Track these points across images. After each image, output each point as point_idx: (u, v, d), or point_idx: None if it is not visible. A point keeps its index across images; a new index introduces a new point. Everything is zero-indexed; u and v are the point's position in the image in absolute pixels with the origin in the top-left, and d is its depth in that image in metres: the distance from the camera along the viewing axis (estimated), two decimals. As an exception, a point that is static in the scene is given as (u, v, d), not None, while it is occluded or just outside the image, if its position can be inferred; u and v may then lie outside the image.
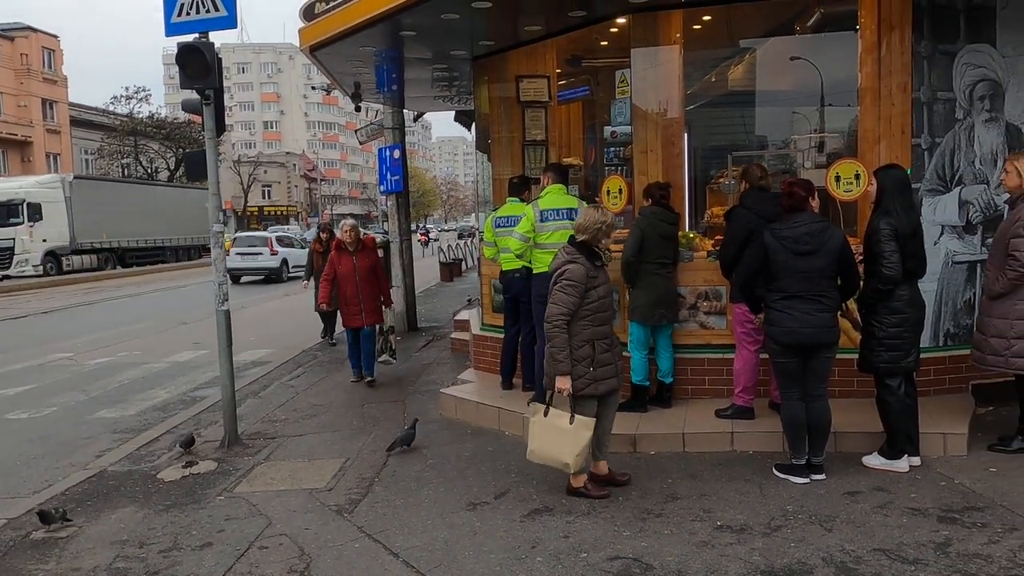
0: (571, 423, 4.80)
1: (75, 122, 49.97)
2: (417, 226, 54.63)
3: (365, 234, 9.38)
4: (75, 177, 35.13)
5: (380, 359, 8.81)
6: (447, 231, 76.63)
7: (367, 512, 4.99)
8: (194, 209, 40.41)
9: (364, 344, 8.74)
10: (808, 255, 4.95)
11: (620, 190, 7.22)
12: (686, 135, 7.42)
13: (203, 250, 44.05)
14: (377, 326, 8.80)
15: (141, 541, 4.71)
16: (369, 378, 8.82)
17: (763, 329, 5.39)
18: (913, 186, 6.24)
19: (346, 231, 8.58)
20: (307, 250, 13.40)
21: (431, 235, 51.17)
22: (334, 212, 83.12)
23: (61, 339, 14.25)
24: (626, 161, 7.68)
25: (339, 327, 10.22)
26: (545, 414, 4.90)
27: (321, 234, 12.10)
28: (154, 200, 39.78)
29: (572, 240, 5.00)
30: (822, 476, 5.08)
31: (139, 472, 6.11)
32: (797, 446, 5.11)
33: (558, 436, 4.82)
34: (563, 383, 4.77)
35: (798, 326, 4.96)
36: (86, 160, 50.85)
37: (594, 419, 4.87)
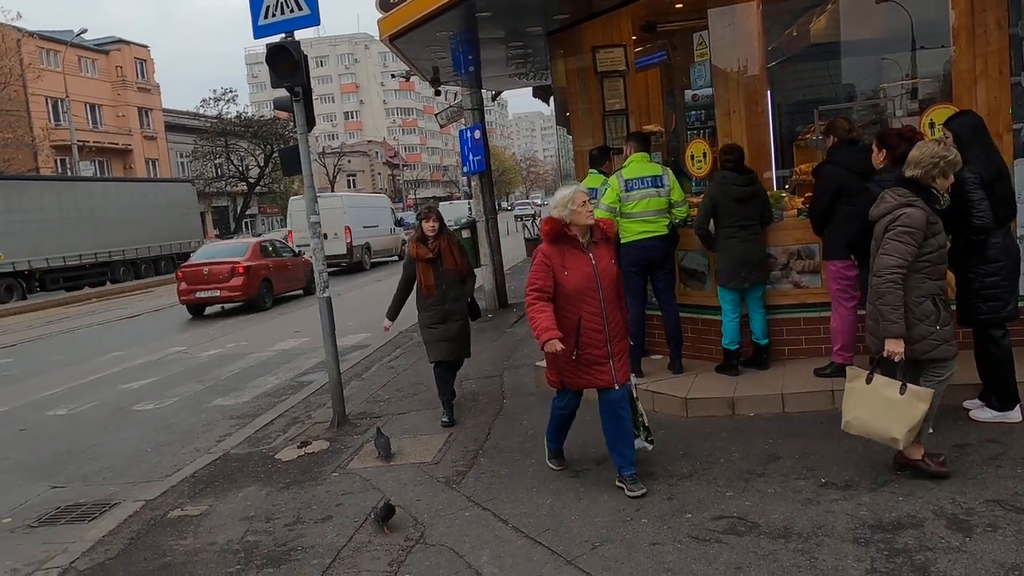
0: (902, 393, 4.21)
1: (169, 127, 52.28)
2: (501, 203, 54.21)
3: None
4: None
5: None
6: (500, 210, 75.38)
7: (474, 482, 5.19)
8: (166, 210, 33.99)
9: (612, 417, 4.76)
10: None
11: (704, 154, 7.16)
12: (769, 93, 7.29)
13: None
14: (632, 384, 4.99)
15: (267, 516, 5.04)
16: (638, 491, 4.64)
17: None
18: (1015, 127, 5.98)
19: (580, 205, 4.60)
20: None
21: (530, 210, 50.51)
22: (417, 196, 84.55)
23: (174, 334, 15.12)
24: (708, 124, 7.61)
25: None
26: (868, 380, 4.33)
27: (424, 224, 6.74)
28: (97, 202, 30.49)
29: (901, 178, 4.38)
30: (930, 430, 4.98)
31: (258, 454, 6.49)
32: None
33: (886, 407, 4.22)
34: (896, 346, 4.20)
35: None
36: (182, 163, 53.11)
37: (931, 390, 4.23)
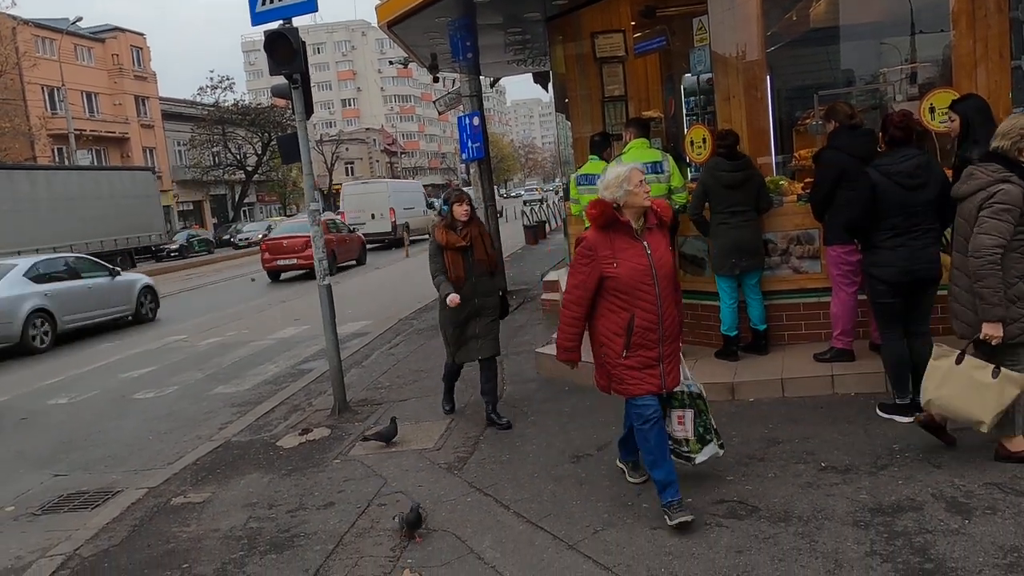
0: (994, 376, 4.05)
1: (166, 115, 52.06)
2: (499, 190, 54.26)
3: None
4: None
5: (701, 457, 4.44)
6: (509, 197, 75.31)
7: (475, 468, 5.21)
8: (122, 201, 31.51)
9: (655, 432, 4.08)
10: (919, 189, 4.79)
11: (704, 139, 7.15)
12: (768, 78, 7.27)
13: (145, 254, 35.07)
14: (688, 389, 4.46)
15: (270, 503, 5.06)
16: (683, 516, 3.96)
17: (860, 270, 5.30)
18: (1015, 110, 5.97)
19: (637, 185, 3.98)
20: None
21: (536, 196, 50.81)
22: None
23: (172, 323, 15.12)
24: (707, 110, 7.60)
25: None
26: (958, 361, 4.20)
27: (457, 208, 5.99)
28: (40, 193, 27.73)
29: (990, 153, 4.17)
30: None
31: (260, 441, 6.51)
32: (901, 385, 5.05)
33: (975, 390, 4.09)
34: (994, 329, 4.03)
35: (911, 264, 4.82)
36: (179, 151, 52.94)
37: None
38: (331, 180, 67.07)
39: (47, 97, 41.36)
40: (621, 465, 4.71)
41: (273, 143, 47.10)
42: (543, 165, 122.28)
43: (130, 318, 15.25)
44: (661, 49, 9.56)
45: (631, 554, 3.77)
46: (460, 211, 5.95)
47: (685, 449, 4.37)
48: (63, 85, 38.87)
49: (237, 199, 55.55)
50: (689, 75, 7.95)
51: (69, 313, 13.52)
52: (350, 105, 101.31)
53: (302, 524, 4.65)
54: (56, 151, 41.10)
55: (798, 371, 5.95)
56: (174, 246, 38.00)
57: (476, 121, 12.53)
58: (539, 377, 7.33)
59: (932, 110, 6.06)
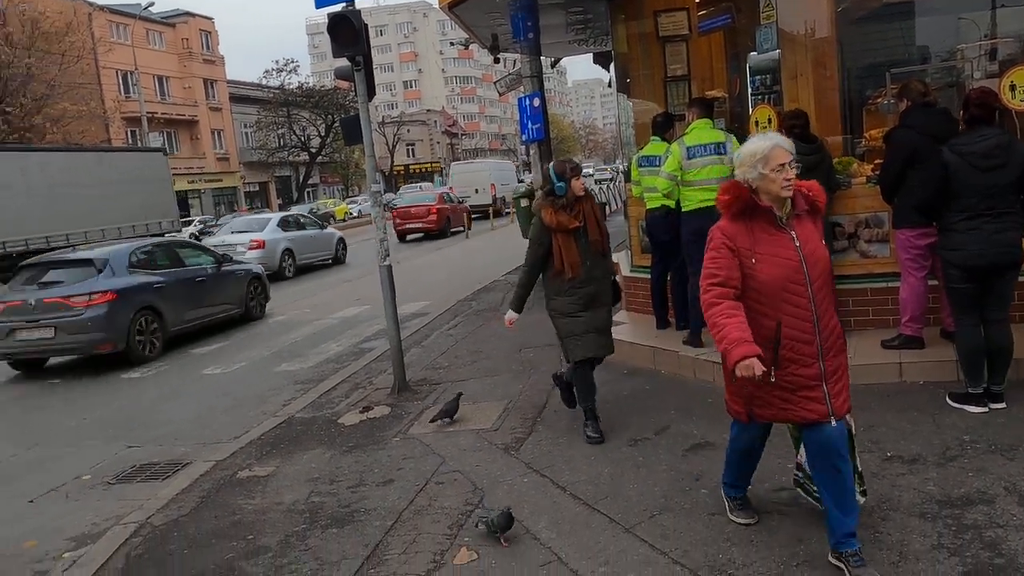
0: None
1: (234, 98, 53.26)
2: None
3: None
4: None
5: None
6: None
7: (532, 449, 5.23)
8: (129, 185, 28.91)
9: (828, 469, 3.39)
10: (996, 170, 4.59)
11: (769, 119, 6.98)
12: (838, 55, 7.04)
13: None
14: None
15: (331, 478, 5.18)
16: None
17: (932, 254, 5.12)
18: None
19: (776, 168, 3.32)
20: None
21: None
22: (453, 165, 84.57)
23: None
24: (773, 89, 7.41)
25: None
26: None
27: (575, 183, 5.19)
28: (33, 178, 25.55)
29: None
30: (1002, 404, 4.83)
31: (322, 418, 6.65)
32: (974, 374, 4.88)
33: None
34: None
35: (986, 248, 4.64)
36: (246, 133, 54.09)
37: None
38: (392, 161, 67.70)
39: (121, 81, 42.72)
40: (836, 562, 3.35)
41: (336, 125, 47.76)
42: (603, 146, 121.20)
43: (330, 261, 20.91)
44: (726, 27, 9.32)
45: (689, 540, 3.75)
46: (579, 186, 5.15)
47: (816, 488, 3.60)
48: (136, 69, 40.03)
49: (301, 180, 56.58)
50: (755, 53, 7.75)
51: (301, 253, 19.56)
52: (411, 87, 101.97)
53: (362, 500, 4.75)
54: (129, 133, 42.44)
55: (865, 358, 5.79)
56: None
57: (536, 102, 12.46)
58: (597, 360, 7.30)
59: (1013, 88, 5.79)
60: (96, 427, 7.40)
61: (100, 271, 10.28)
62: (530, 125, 12.49)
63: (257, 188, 56.20)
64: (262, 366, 9.42)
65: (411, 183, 62.09)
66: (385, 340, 8.10)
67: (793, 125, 6.10)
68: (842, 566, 3.28)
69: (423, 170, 77.23)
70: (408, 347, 8.70)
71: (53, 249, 23.62)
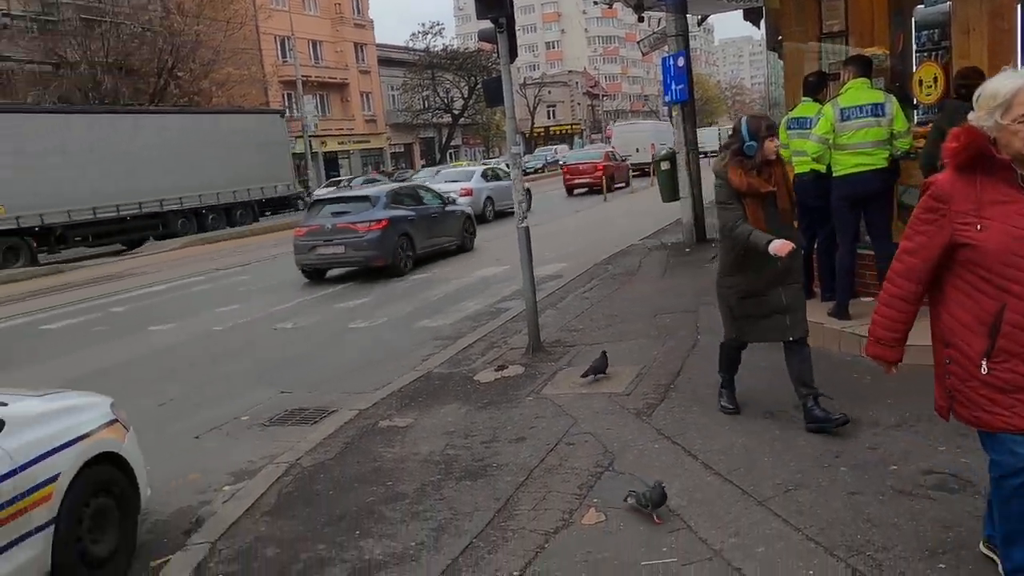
0: None
1: (382, 61, 54.88)
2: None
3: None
4: None
5: None
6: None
7: (664, 416, 5.19)
8: (244, 149, 28.38)
9: None
10: None
11: (935, 78, 6.49)
12: (1019, 7, 6.42)
13: (274, 206, 31.66)
14: None
15: (466, 433, 5.35)
16: None
17: None
18: None
19: None
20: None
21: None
22: (616, 126, 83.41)
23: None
24: (941, 45, 6.86)
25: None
26: None
27: (769, 144, 4.60)
28: (142, 139, 25.24)
29: None
30: None
31: (459, 374, 6.85)
32: None
33: None
34: None
35: None
36: (392, 96, 55.68)
37: None
38: (532, 123, 67.86)
39: (278, 46, 44.88)
40: (987, 551, 3.11)
41: (479, 87, 48.33)
42: (751, 107, 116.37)
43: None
44: (891, -22, 8.69)
45: (825, 518, 3.63)
46: (772, 148, 4.59)
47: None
48: (292, 34, 41.89)
49: (444, 142, 57.78)
50: (922, 6, 7.18)
51: (498, 201, 22.11)
52: (554, 47, 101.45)
53: (495, 455, 4.88)
54: (285, 96, 44.61)
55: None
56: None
57: (681, 62, 12.13)
58: (735, 328, 7.12)
59: None
60: (254, 372, 7.96)
61: (374, 205, 13.62)
62: (673, 86, 12.18)
63: (402, 149, 57.90)
64: (403, 321, 9.79)
65: (549, 145, 62.11)
66: (521, 301, 8.22)
67: (962, 85, 5.63)
68: (996, 558, 3.02)
69: (563, 132, 76.95)
70: (543, 308, 8.79)
71: (166, 213, 25.92)
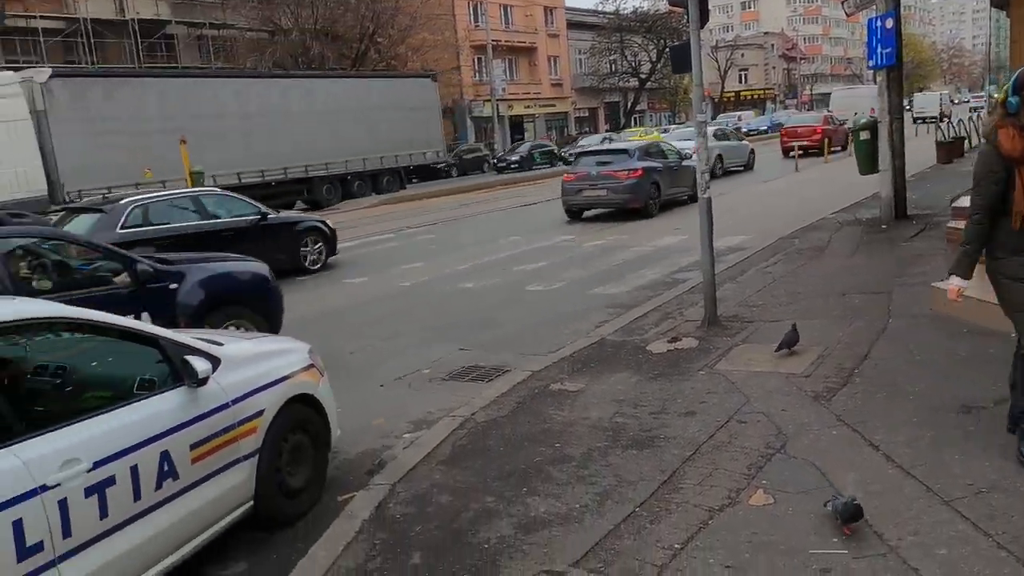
0: None
1: (570, 24, 54.77)
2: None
3: None
4: (54, 75, 20.42)
5: None
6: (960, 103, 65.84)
7: (845, 401, 4.96)
8: (392, 113, 27.78)
9: None
10: None
11: None
12: None
13: (421, 174, 32.24)
14: None
15: (635, 402, 5.37)
16: None
17: None
18: None
19: None
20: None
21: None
22: (813, 91, 78.71)
23: (565, 223, 16.37)
24: None
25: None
26: None
27: None
28: (294, 104, 25.38)
29: None
30: None
31: (631, 343, 6.86)
32: None
33: None
34: None
35: None
36: (580, 59, 55.50)
37: None
38: (722, 88, 65.41)
39: (471, 11, 45.91)
40: None
41: (667, 50, 47.17)
42: (969, 71, 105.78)
43: (743, 168, 25.83)
44: None
45: (1021, 525, 3.35)
46: None
47: None
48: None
49: (629, 106, 57.01)
50: None
51: (727, 159, 24.65)
52: (749, 7, 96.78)
53: (662, 427, 4.88)
54: (475, 61, 45.67)
55: None
56: (514, 158, 37.81)
57: (889, 23, 11.24)
58: (931, 313, 6.63)
59: None
60: (436, 329, 8.37)
61: (631, 157, 16.46)
62: (879, 49, 11.35)
63: (587, 114, 57.74)
64: (579, 287, 9.90)
65: (737, 111, 59.69)
66: (699, 272, 8.07)
67: None
68: None
69: (755, 97, 73.56)
70: (722, 282, 8.57)
71: (311, 179, 25.27)
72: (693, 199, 16.71)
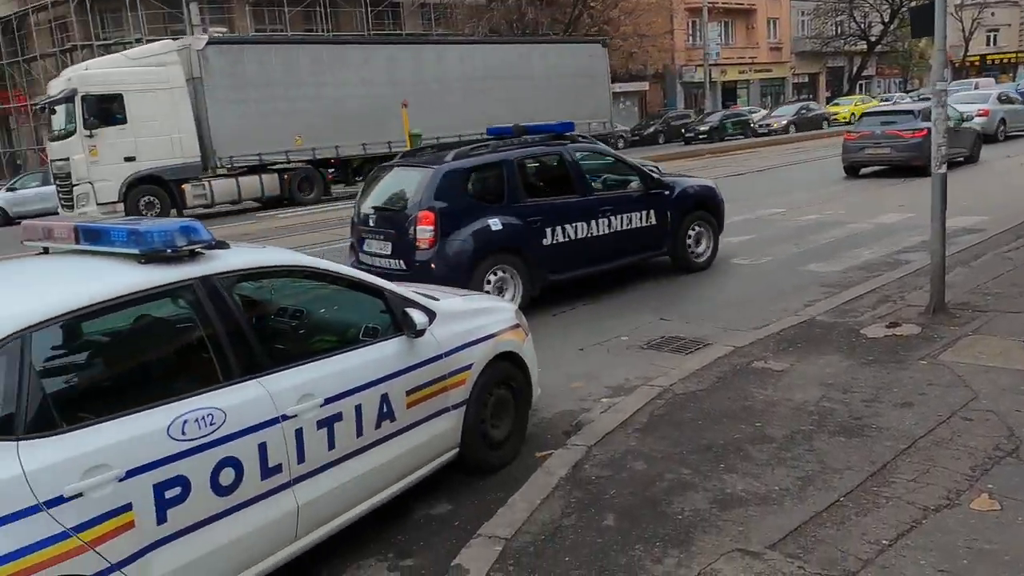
0: None
1: (794, -15, 51.62)
2: None
3: None
4: (211, 42, 20.56)
5: None
6: None
7: (1096, 407, 4.44)
8: (552, 81, 26.07)
9: None
10: None
11: None
12: None
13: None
14: None
15: (845, 388, 5.10)
16: None
17: None
18: None
19: None
20: None
21: None
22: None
23: (774, 195, 15.60)
24: None
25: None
26: None
27: None
28: (449, 70, 24.21)
29: None
30: None
31: (843, 325, 6.49)
32: None
33: None
34: None
35: None
36: (802, 22, 52.26)
37: None
38: (966, 51, 59.13)
39: (687, -29, 44.47)
40: None
41: (903, 9, 43.23)
42: None
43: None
44: None
45: None
46: None
47: None
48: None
49: (855, 71, 53.04)
50: None
51: (1011, 123, 23.75)
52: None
53: (875, 416, 4.61)
54: (690, 24, 44.31)
55: None
56: (703, 128, 36.06)
57: None
58: None
59: None
60: (633, 297, 8.36)
61: (916, 117, 16.85)
62: None
63: (806, 80, 54.43)
64: (789, 263, 9.47)
65: (981, 77, 53.71)
66: (926, 253, 7.44)
67: None
68: None
69: (1004, 60, 65.75)
70: (952, 266, 7.85)
71: (470, 142, 23.05)
72: (971, 159, 18.41)
